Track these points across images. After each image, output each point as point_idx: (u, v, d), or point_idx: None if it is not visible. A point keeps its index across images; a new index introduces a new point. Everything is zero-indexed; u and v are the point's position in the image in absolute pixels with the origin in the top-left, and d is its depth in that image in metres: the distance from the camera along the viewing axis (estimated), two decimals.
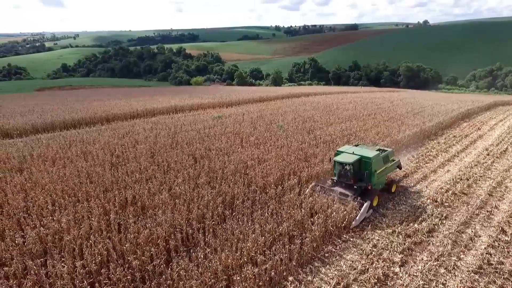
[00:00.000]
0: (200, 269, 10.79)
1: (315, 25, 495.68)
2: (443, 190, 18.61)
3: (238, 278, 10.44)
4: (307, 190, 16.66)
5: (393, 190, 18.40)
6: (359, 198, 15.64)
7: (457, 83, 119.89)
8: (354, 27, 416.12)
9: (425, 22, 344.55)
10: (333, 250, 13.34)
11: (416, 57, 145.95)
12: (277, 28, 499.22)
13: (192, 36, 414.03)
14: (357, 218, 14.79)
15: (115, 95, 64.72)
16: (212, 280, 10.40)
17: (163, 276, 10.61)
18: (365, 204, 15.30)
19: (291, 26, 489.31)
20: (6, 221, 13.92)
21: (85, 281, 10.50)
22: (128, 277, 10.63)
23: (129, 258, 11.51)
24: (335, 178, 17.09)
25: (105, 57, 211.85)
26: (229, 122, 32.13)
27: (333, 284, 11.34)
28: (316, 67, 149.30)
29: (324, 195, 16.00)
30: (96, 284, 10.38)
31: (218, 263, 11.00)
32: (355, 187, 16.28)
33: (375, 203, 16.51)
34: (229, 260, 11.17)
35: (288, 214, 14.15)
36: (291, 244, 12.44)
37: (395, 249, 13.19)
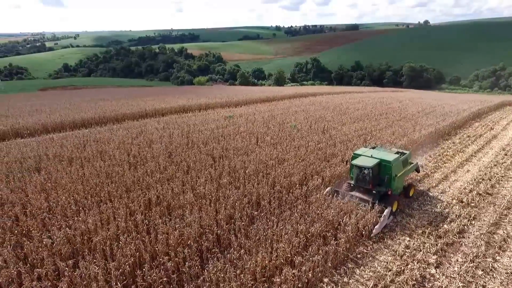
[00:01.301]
0: (238, 270, 10.57)
1: (315, 25, 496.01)
2: (466, 190, 18.42)
3: (278, 280, 10.22)
4: (323, 193, 15.95)
5: (410, 194, 17.53)
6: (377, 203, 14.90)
7: (460, 83, 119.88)
8: (355, 27, 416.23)
9: (426, 22, 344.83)
10: (365, 251, 13.15)
11: (418, 57, 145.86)
12: (278, 28, 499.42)
13: (193, 36, 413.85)
14: (377, 226, 13.98)
15: (120, 95, 64.48)
16: (251, 282, 10.20)
17: (201, 278, 10.39)
18: (386, 211, 14.51)
19: (291, 26, 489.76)
20: (31, 221, 13.71)
21: (119, 283, 10.29)
22: (164, 279, 10.42)
23: (161, 259, 11.31)
24: (352, 182, 16.41)
25: (107, 57, 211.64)
26: (241, 122, 31.91)
27: (370, 285, 11.14)
28: (319, 67, 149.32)
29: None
30: (133, 286, 10.15)
31: (255, 265, 10.79)
32: (373, 192, 15.57)
33: (394, 208, 15.67)
34: (265, 262, 10.96)
35: (319, 215, 13.93)
36: (325, 245, 12.24)
37: (428, 250, 13.00)
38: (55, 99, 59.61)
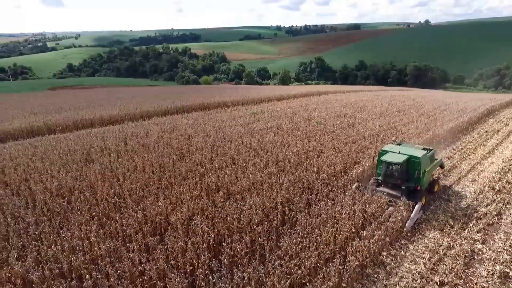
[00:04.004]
0: (314, 242, 11.85)
1: (316, 25, 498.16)
2: (495, 179, 19.72)
3: (351, 249, 11.52)
4: (351, 190, 16.32)
5: (435, 189, 17.73)
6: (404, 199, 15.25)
7: (464, 82, 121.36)
8: (356, 27, 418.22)
9: (427, 21, 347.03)
10: (413, 229, 14.44)
11: (421, 57, 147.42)
12: (278, 28, 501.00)
13: (194, 36, 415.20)
14: (408, 221, 14.25)
15: (133, 93, 65.70)
16: (327, 252, 11.49)
17: (281, 249, 11.66)
18: (416, 206, 14.92)
19: (292, 26, 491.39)
20: (105, 205, 14.94)
21: (206, 255, 11.52)
22: (247, 251, 11.69)
23: (236, 236, 12.55)
24: (379, 177, 16.75)
25: (110, 57, 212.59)
26: (266, 118, 33.17)
27: (426, 257, 12.42)
28: (323, 67, 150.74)
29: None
30: (220, 257, 11.41)
31: (325, 238, 12.06)
32: (402, 187, 15.79)
33: (423, 203, 16.03)
34: (335, 235, 12.26)
35: (368, 198, 15.23)
36: (383, 223, 13.55)
37: (472, 229, 14.28)
38: (71, 97, 60.84)
